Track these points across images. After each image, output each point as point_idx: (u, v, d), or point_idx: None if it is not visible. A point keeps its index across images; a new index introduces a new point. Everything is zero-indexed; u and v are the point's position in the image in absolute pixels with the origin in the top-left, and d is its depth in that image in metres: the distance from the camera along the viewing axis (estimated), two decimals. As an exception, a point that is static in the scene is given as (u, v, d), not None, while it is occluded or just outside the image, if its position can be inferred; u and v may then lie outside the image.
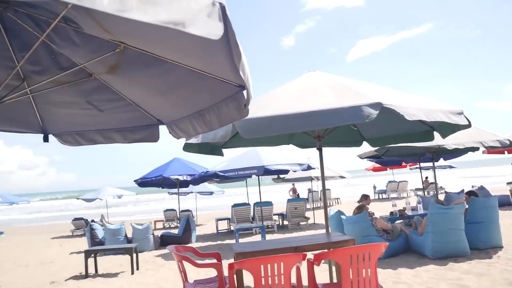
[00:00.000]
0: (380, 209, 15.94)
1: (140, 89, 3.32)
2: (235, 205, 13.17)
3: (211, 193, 19.85)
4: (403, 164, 14.91)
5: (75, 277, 7.78)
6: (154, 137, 3.99)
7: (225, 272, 4.20)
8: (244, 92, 2.93)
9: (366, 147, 8.82)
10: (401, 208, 9.58)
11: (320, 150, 5.09)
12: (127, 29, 2.28)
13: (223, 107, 3.07)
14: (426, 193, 20.35)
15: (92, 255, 8.08)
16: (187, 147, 4.76)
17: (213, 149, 5.17)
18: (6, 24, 2.79)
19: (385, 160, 10.96)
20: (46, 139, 4.23)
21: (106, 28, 2.29)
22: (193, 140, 4.17)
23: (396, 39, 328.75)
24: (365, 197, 8.36)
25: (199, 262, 4.16)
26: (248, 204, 13.44)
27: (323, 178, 5.15)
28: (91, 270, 8.09)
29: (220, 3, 1.59)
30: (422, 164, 13.46)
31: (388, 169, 22.74)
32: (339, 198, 23.60)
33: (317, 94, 3.89)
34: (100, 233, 11.62)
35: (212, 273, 6.81)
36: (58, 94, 3.59)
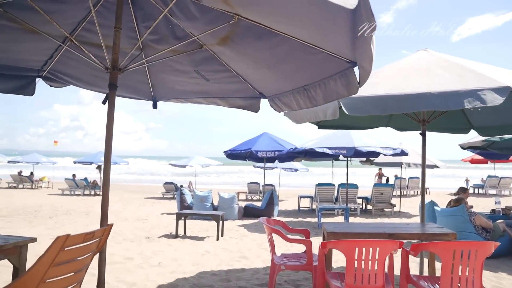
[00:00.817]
0: (475, 205, 14.68)
1: (247, 61, 3.35)
2: (319, 184, 13.07)
3: (296, 170, 19.95)
4: (511, 158, 13.38)
5: (166, 236, 8.42)
6: (255, 108, 4.06)
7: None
8: (355, 68, 2.81)
9: (471, 136, 8.08)
10: (505, 206, 8.67)
11: (423, 135, 4.76)
12: (247, 0, 2.28)
13: (331, 83, 2.99)
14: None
15: (182, 218, 8.65)
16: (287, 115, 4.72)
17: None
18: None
19: (489, 152, 9.90)
20: (155, 106, 4.54)
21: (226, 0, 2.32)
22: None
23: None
24: (463, 190, 7.73)
25: (290, 237, 4.21)
26: (333, 185, 13.24)
27: (424, 165, 4.83)
28: (180, 231, 8.69)
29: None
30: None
31: (488, 162, 20.63)
32: (428, 188, 22.19)
33: (431, 75, 3.58)
34: (189, 198, 12.39)
35: (294, 248, 6.89)
36: (169, 63, 3.79)
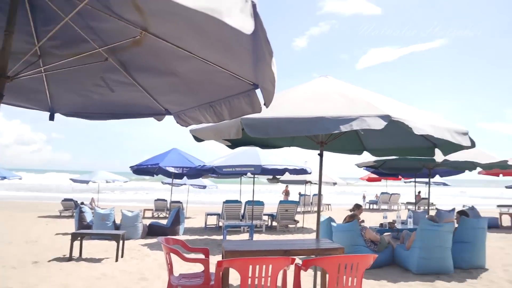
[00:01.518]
0: (369, 219, 16.03)
1: (152, 76, 3.31)
2: (226, 202, 13.16)
3: (204, 187, 19.84)
4: (399, 177, 15.05)
5: (59, 259, 7.67)
6: (159, 119, 4.02)
7: (211, 268, 4.19)
8: (257, 90, 2.95)
9: (365, 157, 8.88)
10: (391, 220, 9.64)
11: (321, 156, 5.12)
12: (158, 9, 2.27)
13: (235, 101, 3.10)
14: (417, 207, 20.55)
15: (79, 238, 7.97)
16: (197, 138, 4.71)
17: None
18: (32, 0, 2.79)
19: (381, 171, 11.03)
20: (52, 118, 4.21)
21: (137, 5, 2.28)
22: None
23: (408, 51, 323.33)
24: (357, 207, 8.41)
25: (187, 256, 4.16)
26: (240, 202, 13.44)
27: (320, 184, 5.18)
28: (75, 253, 8.02)
29: (252, 1, 1.61)
30: (417, 179, 13.63)
31: (382, 180, 22.86)
32: (330, 205, 23.66)
33: (327, 100, 3.91)
34: (88, 216, 11.57)
35: (196, 267, 6.82)
36: (71, 74, 3.57)
